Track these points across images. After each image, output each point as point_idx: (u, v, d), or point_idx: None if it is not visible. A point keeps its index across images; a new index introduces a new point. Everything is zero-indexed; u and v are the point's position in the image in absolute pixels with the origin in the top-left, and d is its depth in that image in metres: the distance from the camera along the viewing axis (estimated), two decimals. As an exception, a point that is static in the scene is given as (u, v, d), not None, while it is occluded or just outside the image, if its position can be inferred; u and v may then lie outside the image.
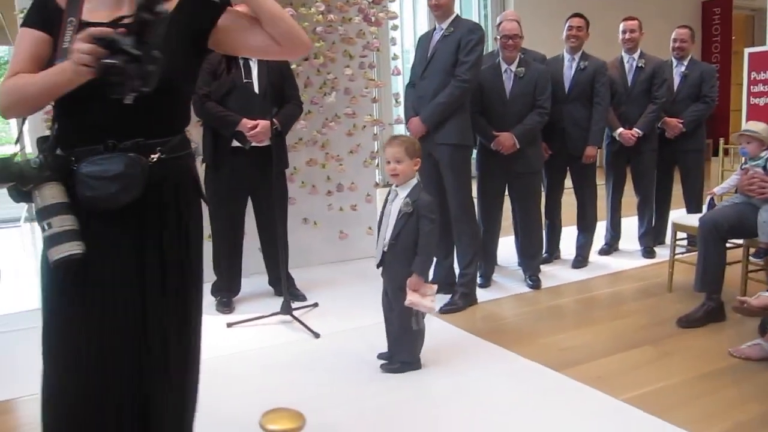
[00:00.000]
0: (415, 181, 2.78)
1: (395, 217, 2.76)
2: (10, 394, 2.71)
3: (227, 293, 3.79)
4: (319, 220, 4.62)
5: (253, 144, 3.51)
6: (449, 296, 3.73)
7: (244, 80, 3.59)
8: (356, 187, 4.72)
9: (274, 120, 3.50)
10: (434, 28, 3.77)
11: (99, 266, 1.51)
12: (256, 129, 3.49)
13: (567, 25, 4.48)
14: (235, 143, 3.54)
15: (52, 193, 1.46)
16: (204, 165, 3.64)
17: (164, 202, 1.59)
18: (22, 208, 7.40)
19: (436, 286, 2.82)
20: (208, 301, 3.77)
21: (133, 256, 1.55)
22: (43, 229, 1.45)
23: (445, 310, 3.63)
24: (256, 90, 3.61)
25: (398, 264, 2.78)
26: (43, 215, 1.45)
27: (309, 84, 4.38)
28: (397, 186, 2.80)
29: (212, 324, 3.49)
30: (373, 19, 4.50)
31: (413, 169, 2.75)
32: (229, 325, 3.46)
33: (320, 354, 3.08)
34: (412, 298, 2.71)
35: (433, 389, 2.72)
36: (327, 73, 4.44)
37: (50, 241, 1.44)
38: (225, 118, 3.52)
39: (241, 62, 3.59)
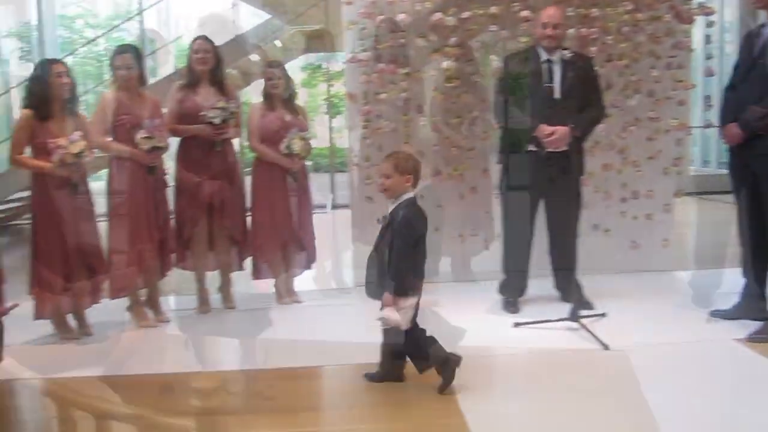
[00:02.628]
0: (407, 195, 2.71)
1: None
2: (317, 362, 3.11)
3: (514, 293, 3.85)
4: (610, 227, 4.47)
5: (550, 150, 3.52)
6: (761, 323, 3.31)
7: (546, 84, 3.61)
8: (653, 195, 4.46)
9: (572, 126, 3.48)
10: (762, 24, 3.36)
11: None
12: (553, 136, 3.50)
13: None
14: (531, 147, 3.59)
15: None
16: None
17: None
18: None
19: (415, 299, 2.68)
20: (495, 299, 3.89)
21: None
22: None
23: (752, 338, 3.23)
24: (557, 94, 3.61)
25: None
26: None
27: (610, 86, 4.24)
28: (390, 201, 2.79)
29: (499, 322, 3.59)
30: (685, 15, 4.21)
31: (404, 184, 2.71)
32: (516, 324, 3.51)
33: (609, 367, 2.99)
34: (382, 314, 2.65)
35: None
36: (630, 74, 4.27)
37: None
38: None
39: (545, 66, 3.62)
